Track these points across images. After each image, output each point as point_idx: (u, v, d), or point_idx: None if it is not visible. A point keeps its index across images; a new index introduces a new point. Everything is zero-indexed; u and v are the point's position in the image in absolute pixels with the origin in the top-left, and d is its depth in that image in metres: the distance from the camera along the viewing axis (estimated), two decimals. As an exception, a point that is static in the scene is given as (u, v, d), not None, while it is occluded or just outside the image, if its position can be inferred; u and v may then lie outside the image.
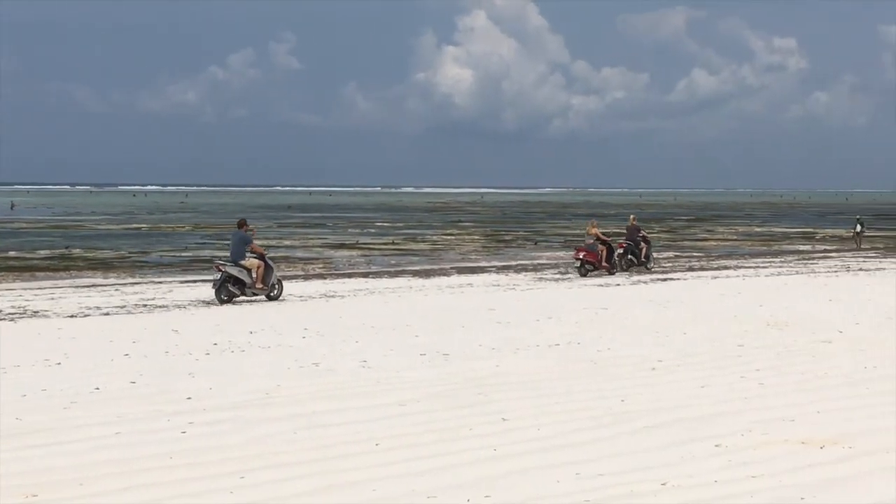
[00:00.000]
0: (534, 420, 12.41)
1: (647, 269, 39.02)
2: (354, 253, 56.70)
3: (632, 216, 40.73)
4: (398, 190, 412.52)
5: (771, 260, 46.72)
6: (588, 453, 10.82)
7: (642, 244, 39.17)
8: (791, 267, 40.81)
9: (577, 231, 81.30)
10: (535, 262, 47.60)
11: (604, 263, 37.33)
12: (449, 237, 72.26)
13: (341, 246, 62.57)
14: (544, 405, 13.29)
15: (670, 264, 44.50)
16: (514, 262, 46.79)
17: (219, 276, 27.84)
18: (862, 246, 57.13)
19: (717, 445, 11.10)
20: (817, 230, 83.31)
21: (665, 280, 34.82)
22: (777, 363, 16.57)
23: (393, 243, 64.78)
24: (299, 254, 54.74)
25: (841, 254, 51.51)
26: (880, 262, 43.80)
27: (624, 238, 39.32)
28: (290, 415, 12.92)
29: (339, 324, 22.56)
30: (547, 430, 11.88)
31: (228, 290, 27.65)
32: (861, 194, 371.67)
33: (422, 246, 62.25)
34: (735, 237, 75.06)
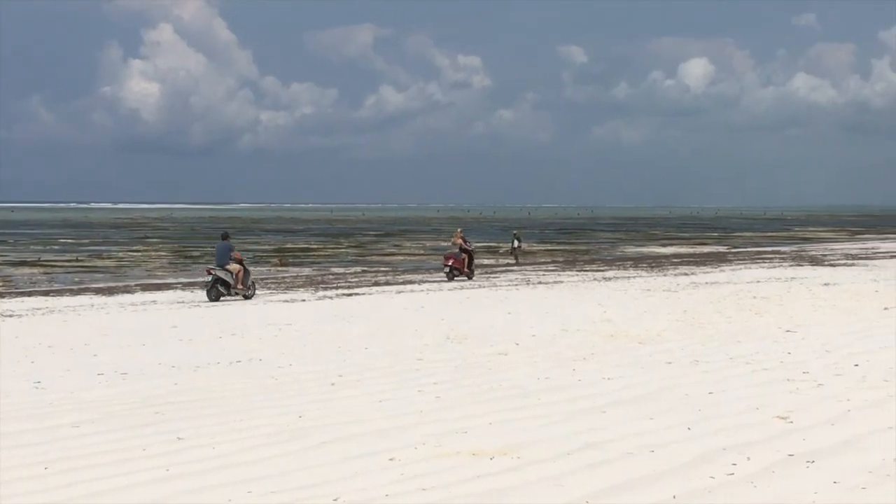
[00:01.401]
0: (210, 438, 12.32)
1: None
2: (36, 270, 55.18)
3: (459, 230, 45.25)
4: (88, 206, 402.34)
5: (455, 274, 47.59)
6: (262, 470, 10.81)
7: (463, 255, 43.09)
8: (474, 281, 41.73)
9: (266, 247, 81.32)
10: (223, 278, 47.19)
11: (465, 269, 42.62)
12: (135, 254, 71.02)
13: (22, 263, 60.79)
14: (222, 423, 13.22)
15: (356, 279, 44.97)
16: (200, 279, 46.30)
17: (210, 278, 33.73)
18: (520, 261, 58.64)
19: (390, 459, 11.25)
20: (501, 244, 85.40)
21: (351, 295, 35.14)
22: (455, 376, 16.89)
23: (77, 260, 63.23)
24: (-24, 271, 52.79)
25: (522, 267, 53.01)
26: (559, 275, 45.24)
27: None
28: (-45, 440, 12.44)
29: (14, 344, 21.89)
30: (222, 448, 11.81)
31: (217, 291, 33.34)
32: (545, 209, 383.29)
33: (107, 263, 61.01)
34: (422, 252, 76.40)
